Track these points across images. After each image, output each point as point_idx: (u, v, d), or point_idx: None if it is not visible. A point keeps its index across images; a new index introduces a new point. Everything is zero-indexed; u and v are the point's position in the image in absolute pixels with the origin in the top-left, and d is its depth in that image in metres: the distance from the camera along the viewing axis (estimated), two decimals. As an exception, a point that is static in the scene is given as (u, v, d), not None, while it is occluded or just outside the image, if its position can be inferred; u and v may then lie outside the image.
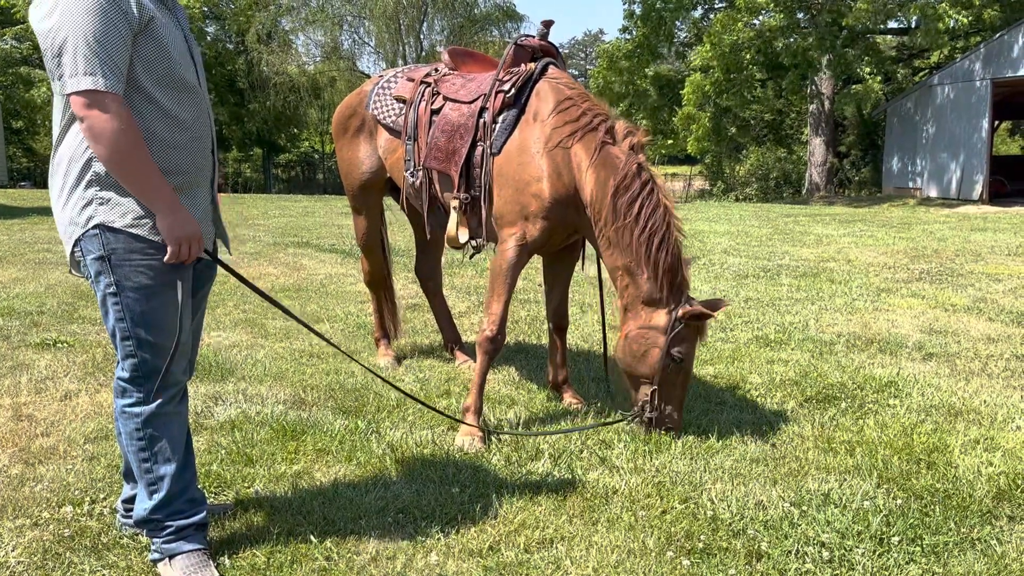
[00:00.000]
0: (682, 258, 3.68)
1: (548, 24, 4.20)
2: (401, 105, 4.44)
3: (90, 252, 2.39)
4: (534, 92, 3.94)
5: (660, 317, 3.64)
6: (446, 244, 4.23)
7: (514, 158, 3.84)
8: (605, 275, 4.09)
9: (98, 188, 2.36)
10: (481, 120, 3.99)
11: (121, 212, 2.36)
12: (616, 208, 3.63)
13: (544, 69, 4.03)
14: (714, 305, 3.69)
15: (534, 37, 4.20)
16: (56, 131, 2.40)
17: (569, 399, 4.28)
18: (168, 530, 2.57)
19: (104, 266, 2.39)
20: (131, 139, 2.28)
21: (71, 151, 2.37)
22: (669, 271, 3.61)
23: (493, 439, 3.69)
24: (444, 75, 4.37)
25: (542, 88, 3.93)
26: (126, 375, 2.49)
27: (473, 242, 4.16)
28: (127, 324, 2.43)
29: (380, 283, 5.14)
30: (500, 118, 3.95)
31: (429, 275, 5.24)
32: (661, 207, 3.64)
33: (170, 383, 2.52)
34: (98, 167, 2.34)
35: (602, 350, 4.42)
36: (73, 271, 2.52)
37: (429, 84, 4.35)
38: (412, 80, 4.47)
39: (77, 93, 2.23)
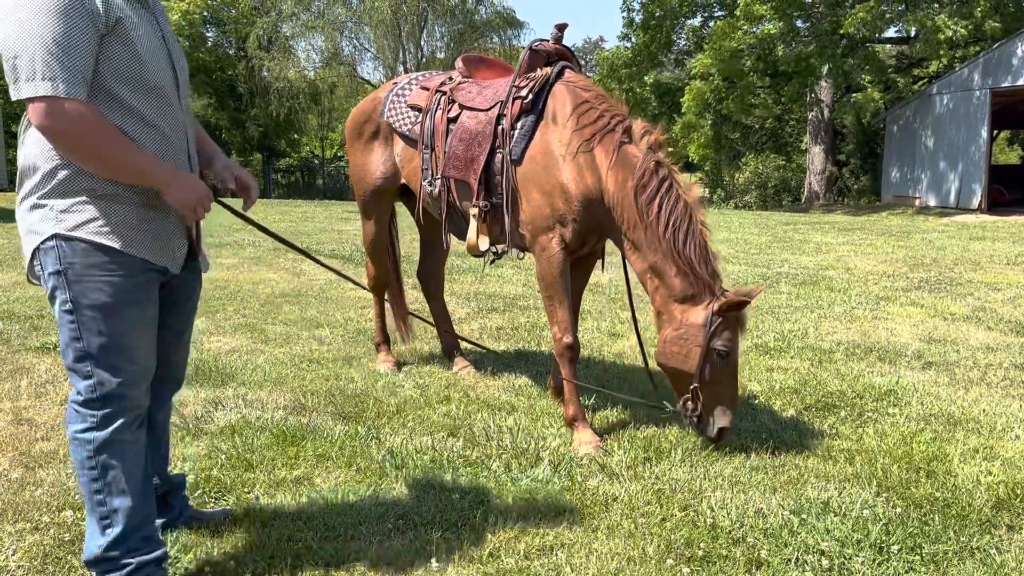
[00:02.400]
0: (710, 250, 3.62)
1: (562, 27, 4.21)
2: (416, 113, 4.46)
3: (47, 265, 2.26)
4: (551, 96, 3.94)
5: (696, 314, 3.56)
6: (467, 252, 4.24)
7: (539, 163, 3.86)
8: (633, 279, 4.06)
9: (58, 197, 2.23)
10: (499, 127, 4.00)
11: (79, 221, 2.23)
12: (638, 208, 3.61)
13: (560, 72, 4.04)
14: (748, 294, 3.59)
15: (548, 41, 4.21)
16: (19, 137, 2.29)
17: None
18: (127, 568, 2.38)
19: (60, 281, 2.25)
20: (100, 137, 2.16)
21: (31, 159, 2.25)
22: (698, 264, 3.55)
23: (494, 446, 3.69)
24: (459, 83, 4.39)
25: (559, 91, 3.93)
26: (80, 398, 2.32)
27: (495, 249, 4.18)
28: (83, 344, 2.27)
29: (384, 289, 5.15)
30: (519, 124, 3.96)
31: (431, 279, 5.24)
32: (682, 202, 3.60)
33: (128, 407, 2.35)
34: (61, 174, 2.22)
35: (641, 360, 4.39)
36: (32, 280, 2.38)
37: (444, 92, 4.36)
38: (426, 89, 4.49)
39: (34, 99, 2.11)
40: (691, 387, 3.60)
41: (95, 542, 2.38)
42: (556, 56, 4.16)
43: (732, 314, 3.56)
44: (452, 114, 4.25)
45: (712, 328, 3.51)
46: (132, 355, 2.33)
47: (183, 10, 33.16)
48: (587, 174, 3.73)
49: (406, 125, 4.50)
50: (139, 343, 2.34)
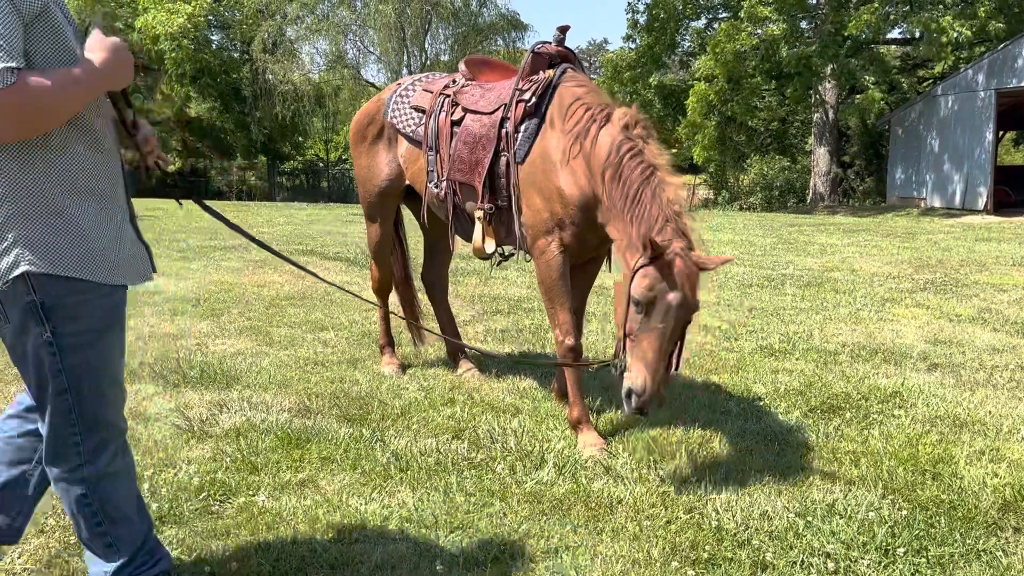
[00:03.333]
0: (668, 206, 3.32)
1: (564, 29, 4.20)
2: (420, 115, 4.47)
3: (14, 301, 2.05)
4: (553, 99, 3.94)
5: (633, 261, 3.31)
6: (473, 254, 4.24)
7: (539, 167, 3.86)
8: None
9: (20, 228, 2.01)
10: (503, 130, 4.01)
11: (52, 256, 2.04)
12: (605, 184, 3.51)
13: (562, 75, 4.03)
14: (697, 258, 3.24)
15: (551, 43, 4.21)
16: None
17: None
18: None
19: (34, 314, 2.06)
20: (34, 97, 1.91)
21: None
22: (649, 217, 3.31)
23: (498, 448, 3.69)
24: (463, 86, 4.40)
25: (559, 94, 3.93)
26: (63, 434, 2.17)
27: (501, 251, 4.19)
28: (65, 377, 2.11)
29: (388, 292, 5.15)
30: (522, 127, 3.96)
31: (435, 281, 5.25)
32: (644, 163, 3.43)
33: (115, 435, 2.25)
34: (15, 206, 2.00)
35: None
36: None
37: (448, 95, 4.37)
38: (430, 91, 4.50)
39: None
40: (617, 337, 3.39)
41: (100, 568, 2.33)
42: (559, 58, 4.16)
43: (657, 263, 3.18)
44: (456, 117, 4.26)
45: (636, 268, 3.24)
46: (118, 380, 2.25)
47: (188, 13, 33.24)
48: (582, 176, 3.70)
49: (410, 126, 4.51)
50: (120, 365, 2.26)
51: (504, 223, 4.08)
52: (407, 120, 4.53)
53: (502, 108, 4.05)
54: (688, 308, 3.19)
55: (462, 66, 4.56)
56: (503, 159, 4.00)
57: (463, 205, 4.27)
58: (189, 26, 33.26)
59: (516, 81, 4.09)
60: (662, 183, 3.39)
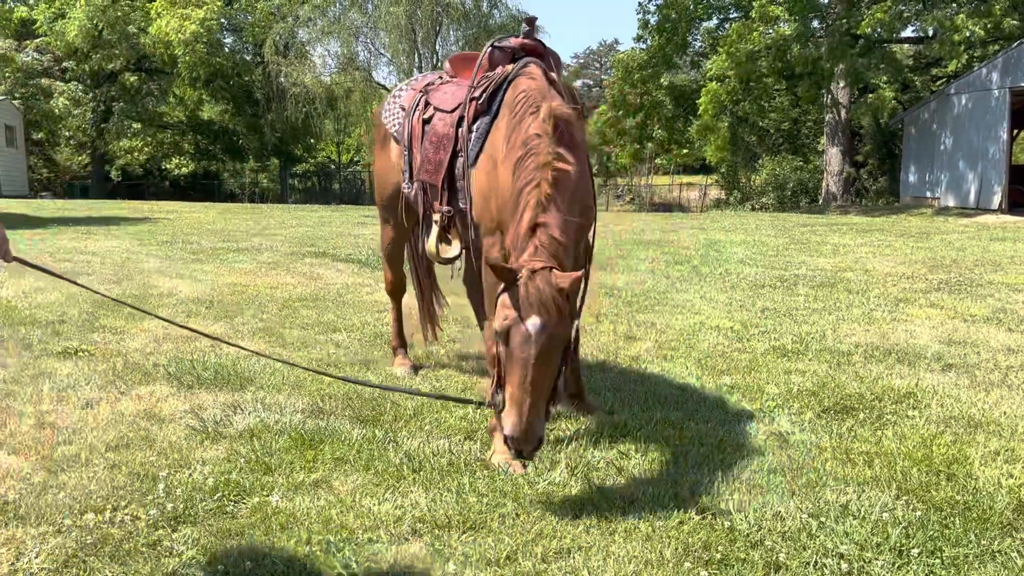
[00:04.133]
0: (532, 213, 3.10)
1: (531, 22, 4.02)
2: (404, 114, 4.41)
3: None
4: (506, 95, 3.69)
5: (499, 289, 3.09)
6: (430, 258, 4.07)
7: (483, 167, 3.69)
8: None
9: None
10: (460, 129, 3.86)
11: None
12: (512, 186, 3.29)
13: (521, 69, 3.78)
14: (563, 276, 2.98)
15: (515, 37, 4.04)
16: None
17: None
18: None
19: None
20: None
21: None
22: (517, 232, 3.12)
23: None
24: (440, 84, 4.28)
25: (511, 89, 3.69)
26: None
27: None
28: None
29: (401, 293, 5.14)
30: (475, 127, 3.78)
31: (475, 281, 5.12)
32: (530, 166, 3.20)
33: None
34: None
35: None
36: None
37: (425, 93, 4.26)
38: (414, 90, 4.44)
39: None
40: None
41: None
42: (523, 52, 3.97)
43: (512, 290, 2.97)
44: (427, 115, 4.12)
45: (498, 294, 3.05)
46: None
47: (200, 18, 33.40)
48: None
49: (395, 126, 4.44)
50: None
51: (468, 226, 3.89)
52: (394, 120, 4.47)
53: (460, 107, 3.92)
54: (550, 333, 2.95)
55: (447, 63, 4.46)
56: (459, 160, 3.85)
57: (432, 207, 4.13)
58: (201, 31, 33.41)
59: (472, 78, 3.93)
60: (536, 186, 3.15)
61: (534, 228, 3.08)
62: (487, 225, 3.69)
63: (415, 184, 4.18)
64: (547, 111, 3.31)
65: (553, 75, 3.87)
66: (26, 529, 2.89)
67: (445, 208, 3.90)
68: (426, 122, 4.13)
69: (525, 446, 2.96)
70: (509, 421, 2.94)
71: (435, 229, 3.99)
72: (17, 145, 29.91)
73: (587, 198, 3.70)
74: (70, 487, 3.23)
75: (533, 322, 2.92)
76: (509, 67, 3.86)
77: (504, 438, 3.00)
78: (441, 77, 4.41)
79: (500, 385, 3.09)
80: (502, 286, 3.01)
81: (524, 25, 4.01)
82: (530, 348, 2.93)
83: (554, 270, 3.00)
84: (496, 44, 4.02)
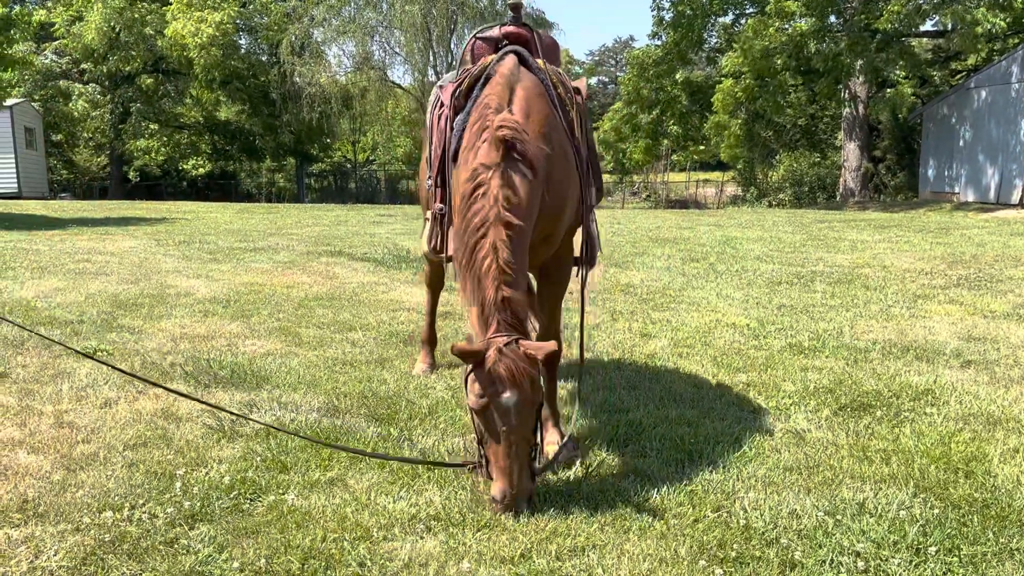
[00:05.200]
0: (494, 283, 3.03)
1: (516, 8, 3.89)
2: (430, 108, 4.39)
3: None
4: (484, 89, 3.55)
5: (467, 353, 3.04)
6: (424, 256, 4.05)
7: (457, 165, 3.59)
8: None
9: None
10: (449, 125, 3.78)
11: None
12: (457, 208, 3.22)
13: (498, 62, 3.67)
14: (535, 346, 2.98)
15: (498, 26, 3.92)
16: None
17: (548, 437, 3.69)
18: None
19: None
20: None
21: None
22: (475, 298, 3.07)
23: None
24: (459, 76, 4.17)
25: (486, 86, 3.56)
26: None
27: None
28: None
29: (439, 286, 5.07)
30: (456, 121, 3.67)
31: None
32: (481, 214, 3.10)
33: None
34: None
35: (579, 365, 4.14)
36: None
37: (442, 86, 4.18)
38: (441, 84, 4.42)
39: None
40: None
41: None
42: (506, 41, 3.86)
43: (481, 369, 2.97)
44: (438, 111, 4.05)
45: (466, 374, 3.06)
46: None
47: (216, 21, 33.57)
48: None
49: (428, 121, 4.43)
50: None
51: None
52: (426, 115, 4.46)
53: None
54: (525, 403, 2.99)
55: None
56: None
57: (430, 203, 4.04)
58: (217, 34, 33.59)
59: (456, 72, 3.82)
60: (493, 248, 3.05)
61: (500, 300, 3.04)
62: (455, 229, 3.55)
63: (429, 180, 4.16)
64: (491, 136, 3.19)
65: (538, 62, 3.75)
66: (45, 527, 2.92)
67: (438, 205, 3.85)
68: (439, 118, 4.11)
69: (521, 505, 3.03)
70: (497, 489, 3.01)
71: (427, 226, 3.95)
72: (37, 147, 30.20)
73: (565, 183, 3.58)
74: (88, 485, 3.26)
75: (507, 397, 2.96)
76: (488, 59, 3.75)
77: (492, 501, 3.03)
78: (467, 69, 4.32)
79: (481, 442, 3.14)
80: (470, 367, 3.02)
81: (509, 12, 3.91)
82: (509, 421, 2.98)
83: (521, 341, 3.01)
84: (479, 35, 3.93)
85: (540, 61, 3.77)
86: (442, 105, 4.02)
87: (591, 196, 3.92)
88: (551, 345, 3.04)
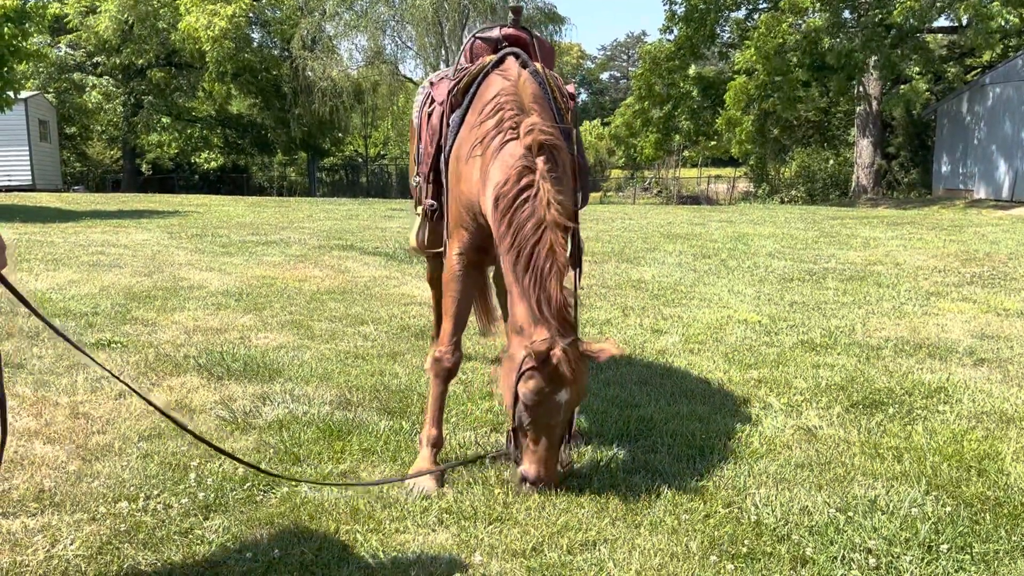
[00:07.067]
0: (554, 283, 3.07)
1: (516, 11, 3.93)
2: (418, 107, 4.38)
3: None
4: (480, 89, 3.58)
5: (517, 350, 3.12)
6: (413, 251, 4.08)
7: (451, 163, 3.62)
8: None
9: None
10: (442, 122, 3.79)
11: None
12: (496, 217, 3.21)
13: (500, 62, 3.66)
14: (579, 349, 3.07)
15: (499, 27, 3.94)
16: None
17: None
18: None
19: None
20: None
21: None
22: (533, 295, 3.08)
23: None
24: (443, 75, 4.19)
25: (485, 84, 3.57)
26: None
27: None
28: None
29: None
30: (451, 120, 3.69)
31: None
32: (535, 219, 3.10)
33: None
34: None
35: None
36: None
37: (432, 85, 4.19)
38: (431, 82, 4.37)
39: None
40: (508, 428, 3.26)
41: None
42: (506, 43, 3.87)
43: (542, 366, 3.03)
44: (429, 109, 4.06)
45: (521, 371, 3.08)
46: None
47: (229, 15, 33.64)
48: (475, 179, 3.41)
49: (416, 119, 4.42)
50: None
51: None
52: (414, 113, 4.43)
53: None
54: (576, 399, 3.15)
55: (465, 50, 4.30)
56: (443, 153, 3.77)
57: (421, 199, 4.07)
58: (229, 27, 33.65)
59: (452, 70, 3.84)
60: (551, 250, 3.08)
61: (563, 302, 3.12)
62: (453, 223, 3.59)
63: (418, 177, 4.16)
64: (531, 140, 3.20)
65: (537, 65, 3.73)
66: (62, 517, 2.95)
67: (429, 201, 3.86)
68: (429, 114, 4.09)
69: (551, 487, 3.17)
70: (533, 471, 3.16)
71: (417, 221, 3.98)
72: (51, 140, 30.35)
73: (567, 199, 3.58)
74: (104, 476, 3.29)
75: (564, 394, 3.07)
76: (487, 59, 3.75)
77: (522, 481, 3.19)
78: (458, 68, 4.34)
79: (515, 441, 3.23)
80: (527, 363, 3.06)
81: (510, 14, 3.94)
82: (559, 416, 3.12)
83: (581, 341, 3.13)
84: (479, 35, 3.95)
85: (539, 65, 3.79)
86: (433, 102, 4.01)
87: (579, 200, 3.91)
88: (610, 347, 3.15)
